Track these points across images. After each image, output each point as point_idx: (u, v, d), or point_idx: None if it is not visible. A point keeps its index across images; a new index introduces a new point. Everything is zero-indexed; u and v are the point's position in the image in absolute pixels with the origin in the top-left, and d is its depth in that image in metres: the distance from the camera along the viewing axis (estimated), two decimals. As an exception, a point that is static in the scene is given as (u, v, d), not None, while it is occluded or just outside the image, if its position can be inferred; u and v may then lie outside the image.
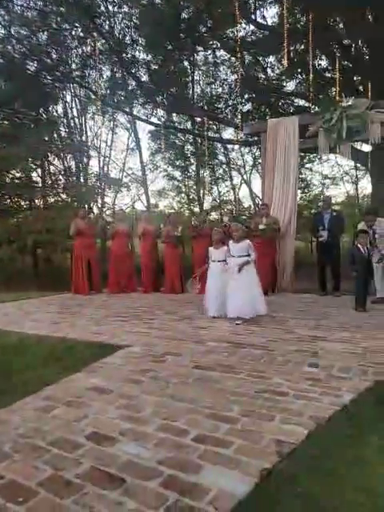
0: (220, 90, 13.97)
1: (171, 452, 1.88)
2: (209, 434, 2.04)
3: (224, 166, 17.26)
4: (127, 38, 12.73)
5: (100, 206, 16.03)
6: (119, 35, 12.64)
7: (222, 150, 16.66)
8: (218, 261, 5.01)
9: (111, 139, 16.88)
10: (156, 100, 13.15)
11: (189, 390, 2.64)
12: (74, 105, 15.24)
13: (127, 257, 8.02)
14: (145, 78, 13.22)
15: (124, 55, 12.58)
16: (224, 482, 1.64)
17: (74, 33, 12.63)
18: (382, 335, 3.95)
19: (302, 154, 11.66)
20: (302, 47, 10.39)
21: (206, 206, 16.90)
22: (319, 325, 4.51)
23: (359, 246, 5.33)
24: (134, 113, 14.51)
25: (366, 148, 10.27)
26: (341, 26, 10.74)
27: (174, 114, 15.05)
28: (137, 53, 12.89)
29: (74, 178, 14.84)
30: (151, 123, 14.60)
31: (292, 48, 10.46)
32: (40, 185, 14.18)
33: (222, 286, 4.80)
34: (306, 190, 16.67)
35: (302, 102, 12.78)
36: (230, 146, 16.34)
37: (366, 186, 18.73)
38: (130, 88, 13.18)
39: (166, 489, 1.61)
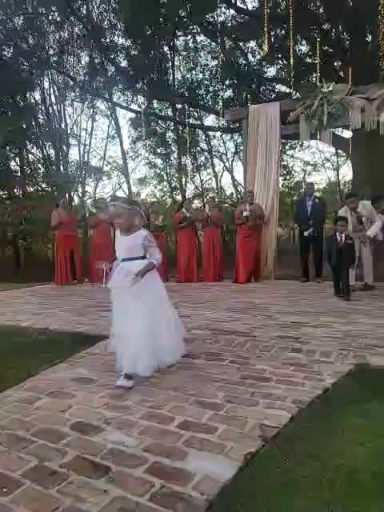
0: (201, 75, 13.78)
1: (156, 439, 1.89)
2: (194, 420, 2.06)
3: (206, 154, 17.13)
4: (105, 22, 12.38)
5: (81, 195, 15.76)
6: (97, 20, 12.28)
7: (204, 138, 16.51)
8: (127, 259, 2.73)
9: (91, 127, 16.51)
10: (136, 86, 12.88)
11: (174, 377, 2.65)
12: (52, 91, 14.79)
13: (109, 247, 7.96)
14: (124, 64, 12.93)
15: (102, 40, 12.24)
16: (209, 467, 1.66)
17: (50, 17, 12.21)
18: (361, 319, 4.05)
19: (284, 140, 11.67)
20: (283, 32, 10.30)
21: (189, 193, 16.80)
22: (301, 311, 4.58)
23: (337, 233, 5.19)
24: (114, 100, 14.20)
25: (347, 134, 10.37)
26: (321, 10, 10.69)
27: (155, 101, 14.79)
28: (115, 38, 12.59)
29: (54, 167, 14.49)
30: (131, 110, 14.34)
31: (272, 33, 10.37)
32: (18, 174, 13.83)
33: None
34: (287, 177, 16.75)
35: (283, 88, 12.75)
36: (211, 134, 16.21)
37: (347, 172, 18.94)
38: (109, 74, 12.87)
39: (152, 475, 1.63)
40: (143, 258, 2.71)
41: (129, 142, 17.02)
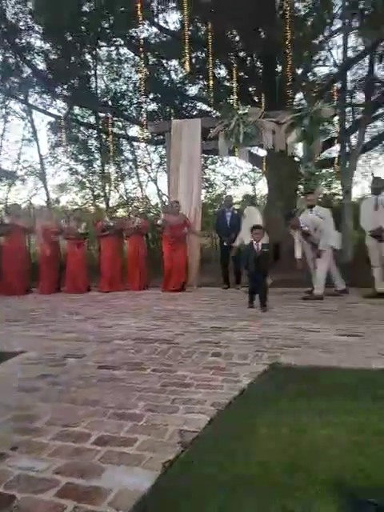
0: (125, 87, 13.73)
1: (70, 459, 1.76)
2: (111, 434, 1.97)
3: (130, 163, 17.01)
4: (21, 23, 11.72)
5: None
6: (13, 20, 11.57)
7: (128, 147, 16.39)
8: None
9: (3, 128, 15.38)
10: (55, 90, 12.36)
11: (92, 391, 2.52)
12: None
13: (23, 255, 7.46)
14: (42, 67, 12.34)
15: (18, 41, 11.56)
16: (126, 480, 1.59)
17: None
18: (274, 322, 4.31)
19: (205, 155, 12.12)
20: (203, 55, 10.77)
21: (113, 202, 16.48)
22: (221, 316, 4.72)
23: (253, 241, 5.19)
24: (30, 102, 13.42)
25: (262, 153, 11.14)
26: (237, 39, 11.41)
27: (77, 107, 14.32)
28: (32, 40, 11.97)
29: None
30: (50, 114, 13.68)
31: (194, 55, 10.78)
32: None
33: None
34: (209, 190, 17.36)
35: (204, 107, 13.27)
36: (136, 144, 16.17)
37: (263, 187, 20.25)
38: (24, 75, 12.15)
39: (63, 498, 1.50)
40: None
41: (47, 147, 16.16)
